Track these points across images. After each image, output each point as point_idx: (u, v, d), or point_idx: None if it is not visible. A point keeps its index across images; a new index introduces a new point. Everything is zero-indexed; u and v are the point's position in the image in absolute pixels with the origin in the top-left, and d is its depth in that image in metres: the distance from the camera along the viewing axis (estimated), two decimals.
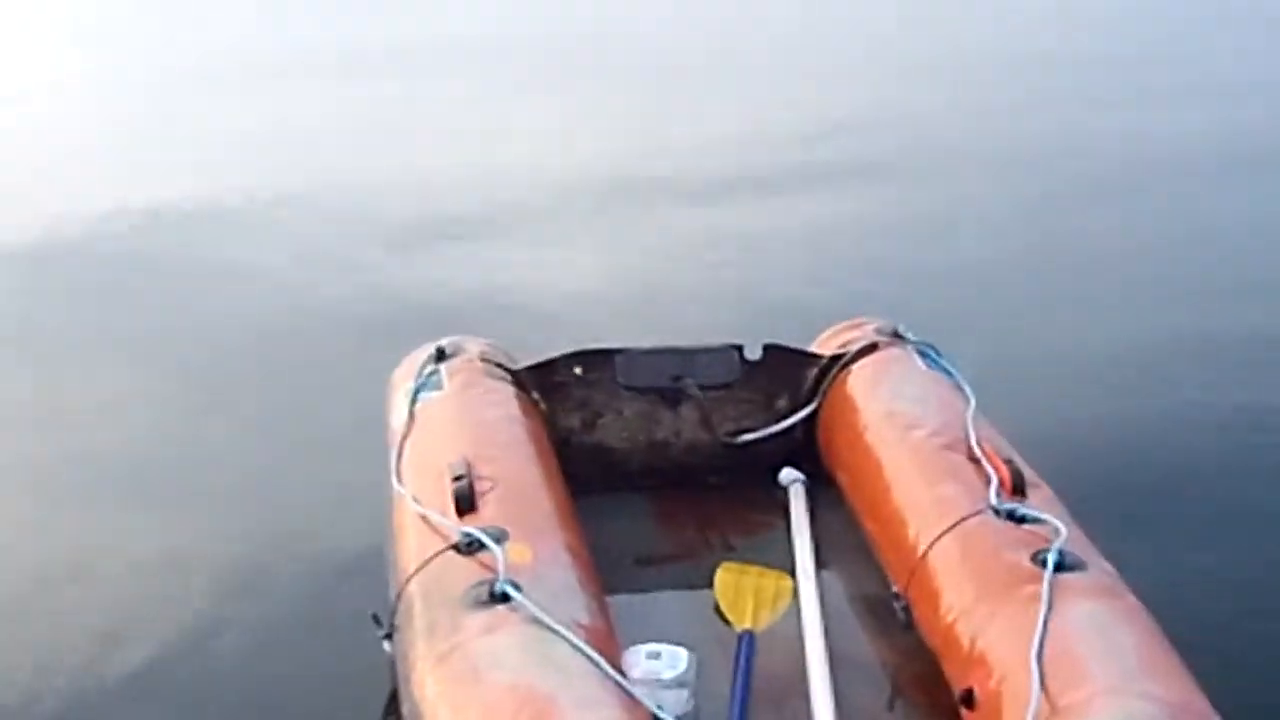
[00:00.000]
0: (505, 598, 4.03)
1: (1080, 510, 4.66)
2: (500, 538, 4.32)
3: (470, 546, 4.33)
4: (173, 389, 7.65)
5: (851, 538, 5.27)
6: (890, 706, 4.44)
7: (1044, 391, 7.29)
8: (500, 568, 4.15)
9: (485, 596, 4.06)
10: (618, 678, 3.80)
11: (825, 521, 5.44)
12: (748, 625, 4.76)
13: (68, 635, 5.44)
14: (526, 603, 3.99)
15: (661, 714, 3.77)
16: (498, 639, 3.89)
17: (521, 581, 4.10)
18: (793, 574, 5.09)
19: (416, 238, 10.63)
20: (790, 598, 4.95)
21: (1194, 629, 4.22)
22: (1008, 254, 10.15)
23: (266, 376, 7.89)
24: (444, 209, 11.40)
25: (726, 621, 4.83)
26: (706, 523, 5.58)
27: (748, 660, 4.57)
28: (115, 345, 8.39)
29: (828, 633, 4.68)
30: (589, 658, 3.80)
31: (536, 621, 3.92)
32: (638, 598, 4.93)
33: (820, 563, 5.15)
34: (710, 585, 5.03)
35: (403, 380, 5.64)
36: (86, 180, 12.37)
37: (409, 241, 10.56)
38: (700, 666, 4.42)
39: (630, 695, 3.75)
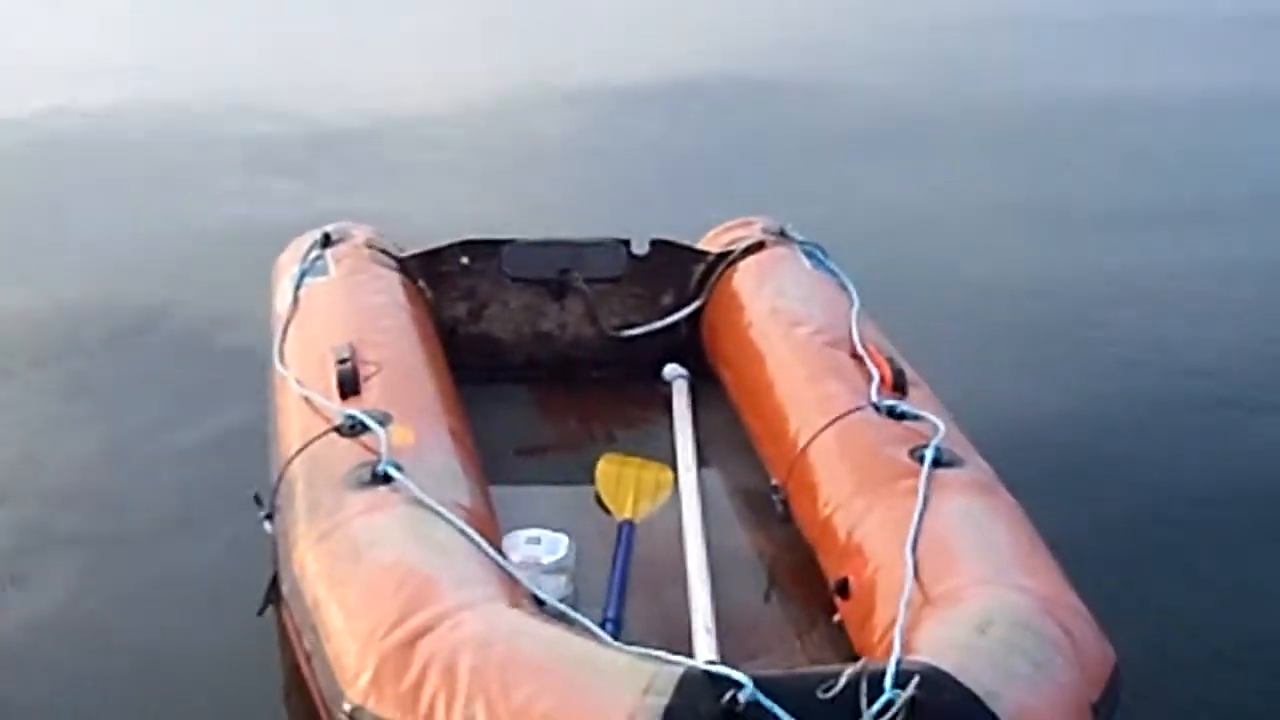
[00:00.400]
0: (387, 479, 4.04)
1: (959, 411, 4.72)
2: (383, 420, 4.32)
3: (353, 428, 4.32)
4: (51, 295, 7.52)
5: (733, 433, 5.32)
6: (766, 596, 4.49)
7: (925, 297, 7.34)
8: (383, 449, 4.15)
9: (367, 477, 4.06)
10: (498, 559, 3.82)
11: (707, 416, 5.48)
12: (628, 515, 4.80)
13: None
14: (408, 484, 3.99)
15: (542, 594, 3.79)
16: (379, 518, 3.89)
17: (404, 463, 4.11)
18: (674, 467, 5.13)
19: (285, 148, 10.49)
20: (670, 490, 5.00)
21: (1065, 527, 4.28)
22: (897, 168, 10.20)
23: (145, 279, 7.77)
24: (319, 118, 11.27)
25: (607, 511, 4.87)
26: (589, 415, 5.60)
27: (627, 548, 4.62)
28: None
29: (706, 524, 4.73)
30: (470, 539, 3.81)
31: (418, 503, 3.93)
32: (519, 487, 4.94)
33: (701, 456, 5.20)
34: (592, 476, 5.07)
35: (288, 265, 5.62)
36: None
37: (278, 151, 10.42)
38: (580, 553, 4.46)
39: (511, 576, 3.77)
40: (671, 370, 5.77)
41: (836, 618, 4.12)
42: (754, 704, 3.04)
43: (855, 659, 3.46)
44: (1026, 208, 9.31)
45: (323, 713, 3.60)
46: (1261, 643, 4.75)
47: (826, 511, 4.34)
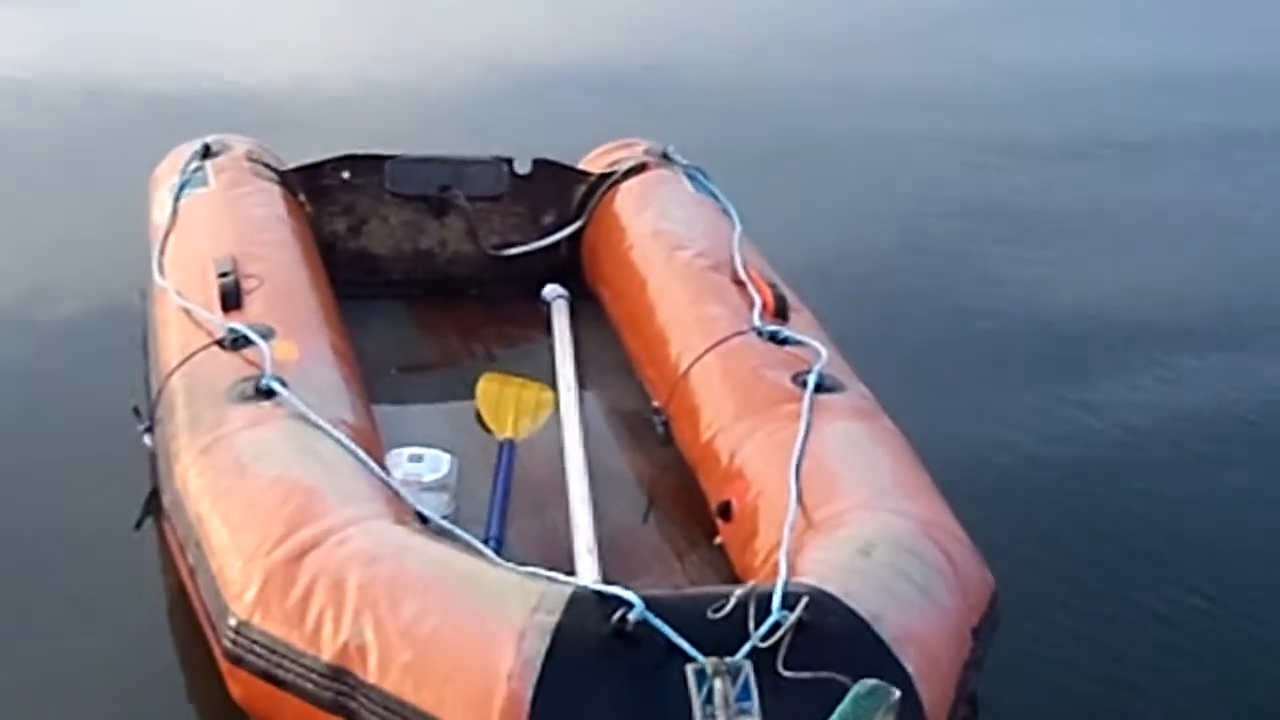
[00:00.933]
0: (270, 393, 4.02)
1: (839, 336, 4.77)
2: (266, 334, 4.30)
3: (235, 342, 4.30)
4: None
5: (612, 355, 5.34)
6: (646, 518, 4.52)
7: (805, 222, 7.37)
8: (266, 364, 4.13)
9: (250, 391, 4.04)
10: (383, 475, 3.82)
11: (586, 337, 5.49)
12: (508, 434, 4.81)
13: None
14: (292, 398, 3.98)
15: (426, 511, 3.79)
16: (263, 433, 3.87)
17: (287, 378, 4.09)
18: (554, 387, 5.13)
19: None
20: (551, 409, 5.01)
21: (943, 452, 4.35)
22: (783, 88, 10.20)
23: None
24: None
25: (488, 430, 4.87)
26: (469, 333, 5.59)
27: (508, 467, 4.62)
28: None
29: (587, 444, 4.74)
30: (354, 455, 3.81)
31: (301, 417, 3.91)
32: (399, 404, 4.93)
33: (581, 378, 5.20)
34: (472, 395, 5.06)
35: (166, 176, 5.54)
36: None
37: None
38: (461, 472, 4.46)
39: (396, 492, 3.77)
40: (551, 290, 5.77)
41: (718, 540, 4.17)
42: (643, 623, 3.08)
43: (737, 582, 3.51)
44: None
45: (207, 628, 3.59)
46: (1135, 562, 4.84)
47: (708, 435, 4.37)
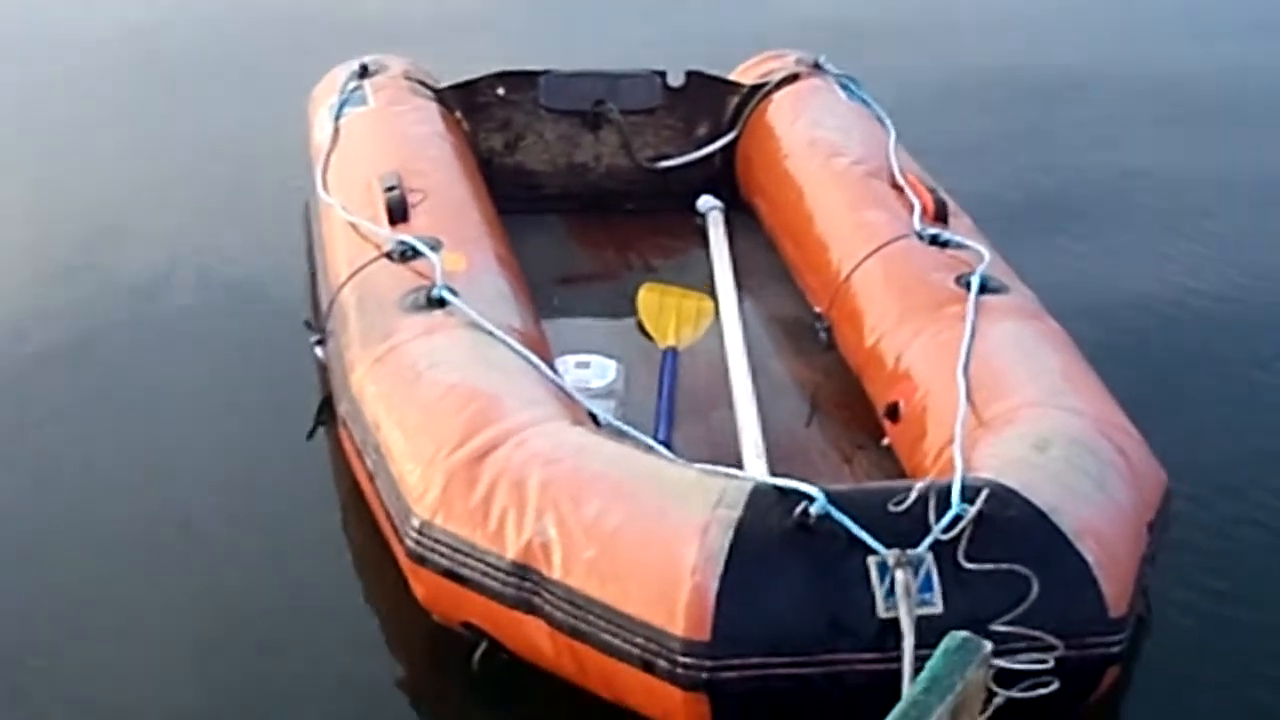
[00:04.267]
0: (442, 302, 4.09)
1: (1001, 240, 4.76)
2: (434, 246, 4.37)
3: (405, 254, 4.37)
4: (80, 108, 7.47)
5: (769, 264, 5.37)
6: (810, 421, 4.54)
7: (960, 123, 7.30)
8: (436, 274, 4.20)
9: (422, 301, 4.11)
10: (557, 379, 3.88)
11: (743, 248, 5.51)
12: (671, 342, 4.85)
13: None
14: (463, 306, 4.05)
15: (601, 414, 3.85)
16: (437, 340, 3.95)
17: (456, 288, 4.17)
18: (713, 296, 5.16)
19: None
20: (711, 317, 5.04)
21: (1110, 350, 4.34)
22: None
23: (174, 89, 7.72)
24: None
25: (650, 338, 4.92)
26: (626, 246, 5.63)
27: (672, 374, 4.67)
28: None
29: (749, 351, 4.77)
30: (527, 360, 3.88)
31: (474, 325, 3.99)
32: (562, 315, 4.99)
33: (739, 287, 5.22)
34: (633, 306, 5.11)
35: (325, 95, 5.62)
36: None
37: None
38: (627, 379, 4.52)
39: (569, 395, 3.84)
40: (706, 202, 5.79)
41: (885, 442, 4.20)
42: (824, 517, 3.12)
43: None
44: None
45: (388, 529, 3.68)
46: None
47: (873, 339, 4.39)
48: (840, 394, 4.59)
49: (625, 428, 3.82)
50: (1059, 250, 5.92)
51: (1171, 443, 3.95)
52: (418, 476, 3.55)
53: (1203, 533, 4.24)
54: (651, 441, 3.74)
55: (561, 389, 3.85)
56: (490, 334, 3.95)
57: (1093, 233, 6.16)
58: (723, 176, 5.88)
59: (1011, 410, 3.73)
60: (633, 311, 5.08)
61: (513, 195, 5.63)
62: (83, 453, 4.62)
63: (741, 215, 5.70)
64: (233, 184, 6.39)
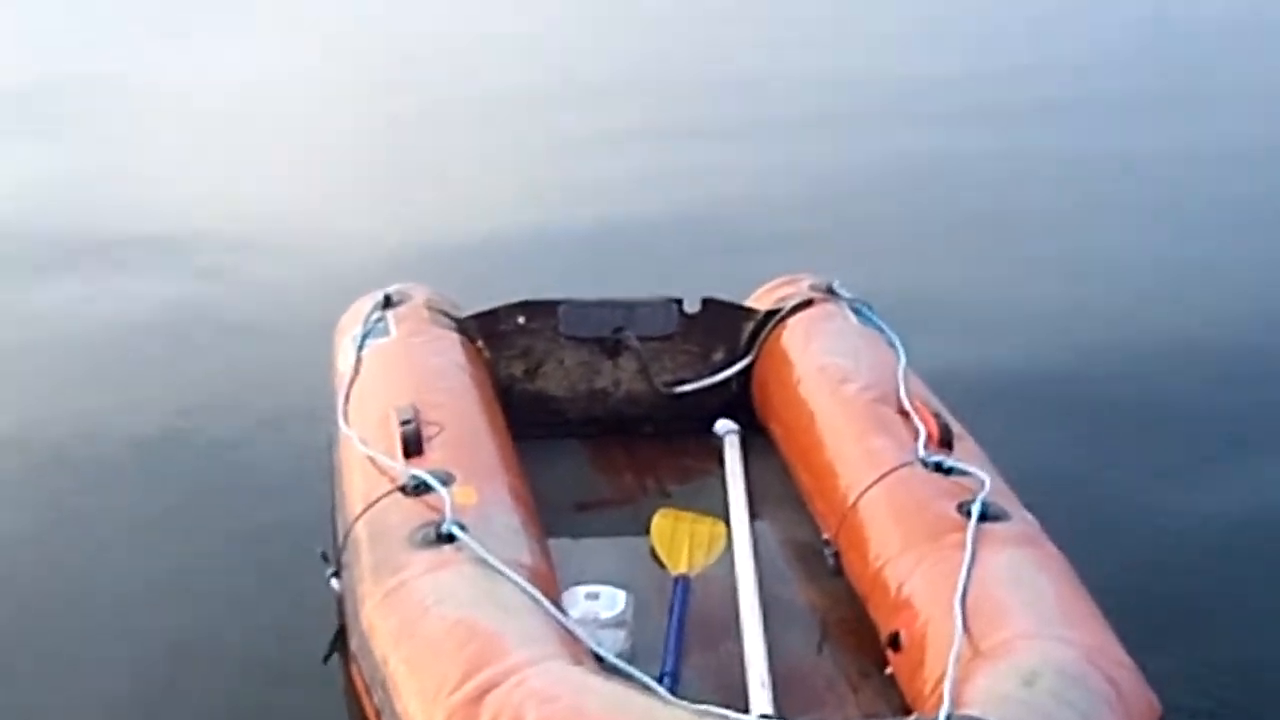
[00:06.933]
0: (451, 538, 4.18)
1: (1003, 462, 4.84)
2: (446, 480, 4.46)
3: (417, 488, 4.47)
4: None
5: (784, 487, 5.44)
6: (819, 649, 4.60)
7: (971, 346, 7.44)
8: (446, 509, 4.29)
9: (432, 536, 4.20)
10: (560, 616, 3.95)
11: (759, 471, 5.60)
12: (683, 570, 4.92)
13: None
14: (472, 543, 4.13)
15: (601, 651, 3.92)
16: (444, 576, 4.03)
17: (467, 523, 4.24)
18: (726, 521, 5.24)
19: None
20: (724, 544, 5.11)
21: (1110, 579, 4.38)
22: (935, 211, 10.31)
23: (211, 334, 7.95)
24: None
25: (662, 566, 4.99)
26: (644, 470, 5.73)
27: (683, 603, 4.72)
28: None
29: (760, 578, 4.84)
30: (532, 597, 3.95)
31: (481, 561, 4.06)
32: (576, 541, 5.08)
33: (753, 511, 5.30)
34: (647, 531, 5.18)
35: (350, 326, 5.77)
36: None
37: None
38: (637, 608, 4.60)
39: (571, 633, 3.90)
40: (723, 425, 5.89)
41: (888, 670, 4.24)
42: None
43: (908, 712, 3.59)
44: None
45: None
46: None
47: (877, 565, 4.46)
48: (848, 621, 4.64)
49: (625, 666, 3.88)
50: (1065, 470, 6.00)
51: (1170, 670, 4.00)
52: (421, 714, 3.61)
53: None
54: (651, 681, 3.78)
55: (564, 626, 3.92)
56: (497, 570, 4.03)
57: (1104, 451, 6.24)
58: (739, 401, 5.99)
59: (1006, 641, 3.78)
60: (646, 537, 5.16)
61: (533, 421, 5.74)
62: (107, 688, 4.72)
63: (759, 439, 5.80)
64: (265, 414, 6.55)
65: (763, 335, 5.96)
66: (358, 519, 4.51)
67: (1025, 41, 17.74)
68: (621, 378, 6.03)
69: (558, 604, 4.06)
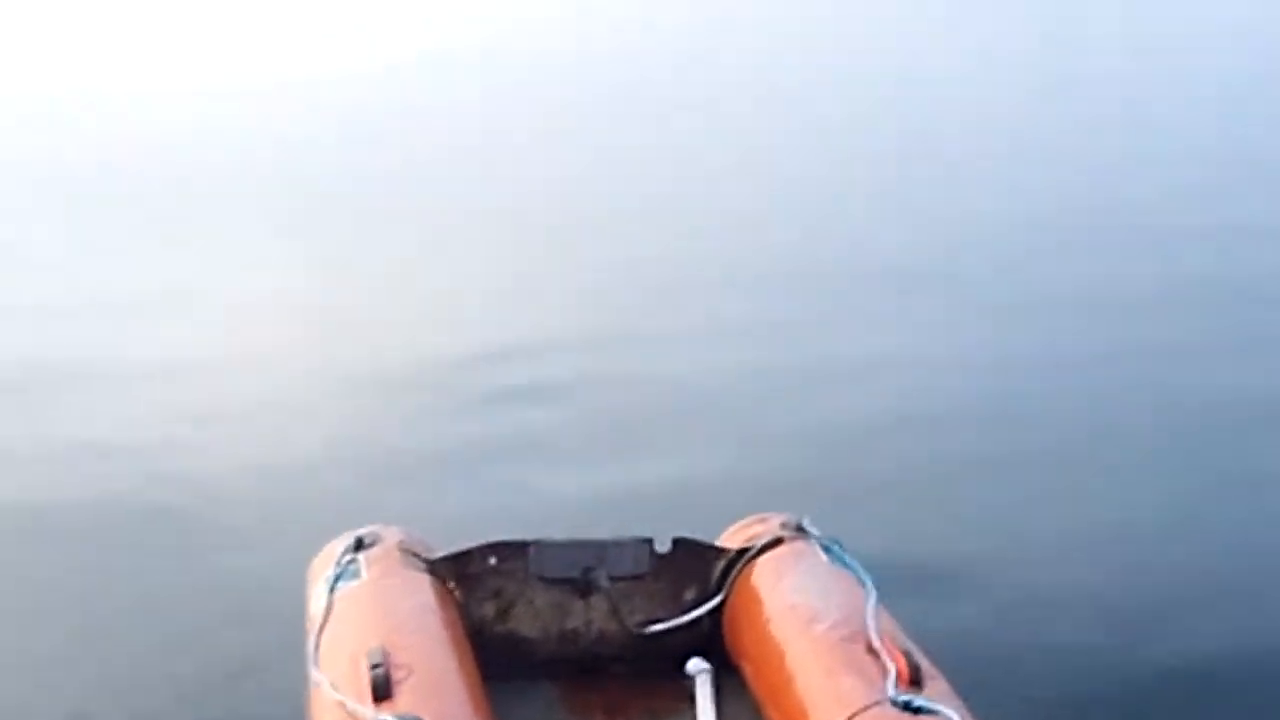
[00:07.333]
0: None
1: (978, 702, 4.85)
2: None
3: None
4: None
5: None
6: None
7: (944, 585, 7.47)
8: None
9: None
10: None
11: (731, 710, 5.59)
12: None
13: None
14: None
15: None
16: None
17: None
18: None
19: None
20: None
21: None
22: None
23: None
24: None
25: None
26: (615, 711, 5.74)
27: None
28: None
29: None
30: None
31: None
32: None
33: None
34: None
35: (322, 568, 5.81)
36: None
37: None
38: None
39: None
40: (695, 665, 5.89)
41: None
42: None
43: None
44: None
45: None
46: None
47: None
48: None
49: None
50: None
51: None
52: None
53: None
54: None
55: None
56: None
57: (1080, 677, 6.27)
58: (711, 639, 6.00)
59: None
60: None
61: (504, 662, 5.75)
62: None
63: (731, 677, 5.80)
64: (236, 661, 6.56)
65: (733, 574, 5.99)
66: None
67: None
68: (593, 618, 6.05)
69: None
